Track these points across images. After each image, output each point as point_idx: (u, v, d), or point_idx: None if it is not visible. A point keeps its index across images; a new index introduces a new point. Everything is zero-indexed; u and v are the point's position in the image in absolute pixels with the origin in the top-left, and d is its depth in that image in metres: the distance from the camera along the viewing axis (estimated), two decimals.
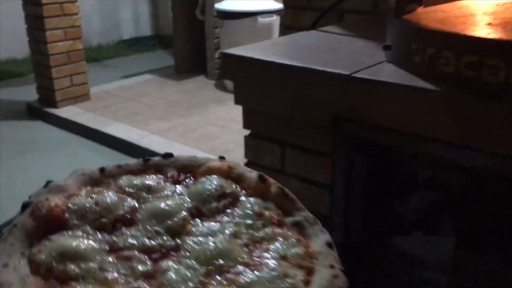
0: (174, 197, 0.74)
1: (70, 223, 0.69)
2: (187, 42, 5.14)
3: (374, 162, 1.36)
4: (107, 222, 0.70)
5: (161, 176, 0.79)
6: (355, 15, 1.89)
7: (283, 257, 0.64)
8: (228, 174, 0.78)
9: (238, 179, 0.77)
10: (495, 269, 1.31)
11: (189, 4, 4.97)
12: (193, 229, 0.69)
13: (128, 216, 0.71)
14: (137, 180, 0.78)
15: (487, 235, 1.36)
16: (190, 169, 0.80)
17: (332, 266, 0.62)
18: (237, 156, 3.27)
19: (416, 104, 1.01)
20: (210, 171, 0.79)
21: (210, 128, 3.76)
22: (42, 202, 0.71)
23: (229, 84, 4.56)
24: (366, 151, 1.31)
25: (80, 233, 0.68)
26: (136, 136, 3.59)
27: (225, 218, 0.71)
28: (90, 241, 0.67)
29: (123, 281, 0.61)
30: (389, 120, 1.06)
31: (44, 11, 3.91)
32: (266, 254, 0.64)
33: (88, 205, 0.72)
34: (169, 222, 0.69)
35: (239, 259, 0.63)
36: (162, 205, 0.72)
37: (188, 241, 0.66)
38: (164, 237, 0.67)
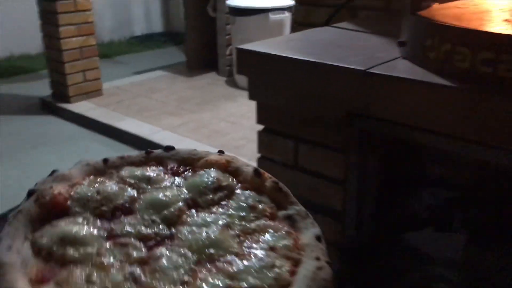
0: (173, 188, 0.77)
1: (72, 210, 0.73)
2: (199, 39, 5.15)
3: (386, 158, 1.37)
4: (107, 210, 0.73)
5: (161, 168, 0.82)
6: (368, 11, 1.89)
7: (272, 248, 0.66)
8: (226, 167, 0.81)
9: (235, 172, 0.80)
10: (507, 266, 1.32)
11: (201, 0, 4.98)
12: (188, 219, 0.71)
13: (127, 205, 0.74)
14: (138, 171, 0.81)
15: (499, 232, 1.36)
16: (189, 162, 0.83)
17: (318, 258, 0.64)
18: (248, 152, 3.29)
19: (431, 100, 1.01)
20: (209, 165, 0.82)
21: (221, 124, 3.77)
22: (46, 189, 0.74)
23: (240, 80, 4.57)
24: (379, 146, 1.31)
25: (80, 219, 0.71)
26: (148, 132, 3.62)
27: (220, 210, 0.73)
28: (90, 228, 0.70)
29: (118, 266, 0.64)
30: (404, 116, 1.07)
31: (58, 7, 3.94)
32: (256, 245, 0.67)
33: (89, 194, 0.75)
34: (166, 212, 0.72)
35: (230, 249, 0.66)
36: (160, 195, 0.75)
37: (182, 231, 0.69)
38: (160, 226, 0.70)
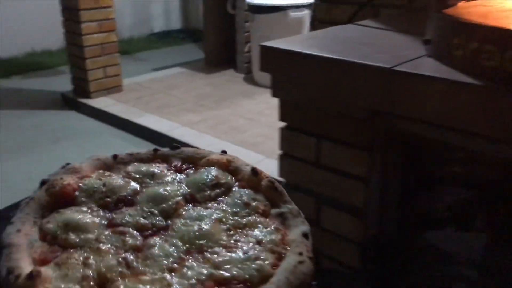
0: (174, 183, 0.83)
1: (79, 200, 0.79)
2: (217, 36, 5.17)
3: (408, 155, 1.36)
4: (111, 201, 0.79)
5: (166, 165, 0.88)
6: (391, 10, 1.88)
7: (258, 242, 0.70)
8: (227, 166, 0.86)
9: (234, 171, 0.85)
10: None
11: None
12: (184, 212, 0.77)
13: (130, 198, 0.80)
14: (143, 167, 0.87)
15: None
16: (193, 160, 0.89)
17: (300, 253, 0.68)
18: (266, 149, 3.29)
19: (457, 98, 1.01)
20: (210, 163, 0.87)
21: (239, 121, 3.78)
22: (57, 180, 0.81)
23: (258, 78, 4.58)
24: (403, 144, 1.31)
25: (85, 209, 0.77)
26: (167, 128, 3.65)
27: (215, 205, 0.78)
28: (92, 216, 0.76)
29: (113, 251, 0.69)
30: (429, 114, 1.06)
31: (80, 4, 3.99)
32: (244, 239, 0.71)
33: (96, 186, 0.81)
34: (164, 205, 0.78)
35: (219, 241, 0.71)
36: (161, 190, 0.80)
37: (177, 223, 0.75)
38: (158, 218, 0.76)
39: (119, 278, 0.65)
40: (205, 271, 0.65)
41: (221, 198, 0.80)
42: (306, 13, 4.39)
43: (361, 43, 1.35)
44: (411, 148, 1.35)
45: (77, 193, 0.80)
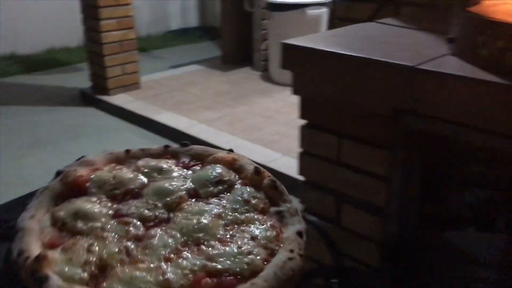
0: (179, 179, 0.86)
1: (90, 190, 0.83)
2: (234, 34, 5.18)
3: (430, 155, 1.35)
4: (119, 193, 0.83)
5: (174, 161, 0.92)
6: (412, 8, 1.86)
7: (253, 238, 0.74)
8: (232, 164, 0.90)
9: (239, 170, 0.89)
10: None
11: None
12: (186, 207, 0.80)
13: (137, 190, 0.84)
14: (153, 162, 0.91)
15: None
16: (200, 158, 0.93)
17: (291, 251, 0.71)
18: (282, 147, 3.30)
19: (483, 97, 1.00)
20: (217, 161, 0.91)
21: (256, 118, 3.79)
22: (71, 171, 0.86)
23: (275, 75, 4.58)
24: (424, 143, 1.30)
25: (94, 199, 0.82)
26: (185, 125, 3.67)
27: (217, 201, 0.82)
28: (100, 206, 0.80)
29: (116, 240, 0.73)
30: (453, 113, 1.06)
31: (99, 1, 4.03)
32: (239, 234, 0.75)
33: (106, 178, 0.85)
34: (168, 199, 0.81)
35: (216, 235, 0.74)
36: (166, 184, 0.84)
37: (178, 216, 0.78)
38: (161, 210, 0.80)
39: (118, 265, 0.69)
40: (198, 263, 0.69)
41: (223, 195, 0.83)
42: (323, 11, 4.37)
43: (383, 41, 1.34)
44: (432, 147, 1.34)
45: (88, 184, 0.84)
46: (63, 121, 4.04)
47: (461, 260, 1.42)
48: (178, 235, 0.74)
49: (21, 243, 0.72)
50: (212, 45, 6.22)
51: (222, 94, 4.37)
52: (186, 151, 0.94)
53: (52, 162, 3.24)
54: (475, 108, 1.02)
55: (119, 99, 4.24)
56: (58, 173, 0.87)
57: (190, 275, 0.67)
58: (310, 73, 1.31)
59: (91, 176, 0.86)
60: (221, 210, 0.79)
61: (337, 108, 1.30)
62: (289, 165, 2.94)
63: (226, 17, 5.18)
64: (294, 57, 1.33)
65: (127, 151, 0.94)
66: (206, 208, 0.80)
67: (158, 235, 0.75)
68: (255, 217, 0.79)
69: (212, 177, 0.86)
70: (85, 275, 0.67)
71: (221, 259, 0.69)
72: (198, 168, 0.90)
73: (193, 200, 0.83)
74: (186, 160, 0.93)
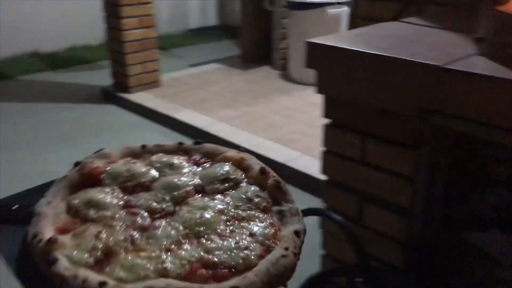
0: (188, 175, 0.91)
1: (104, 181, 0.88)
2: (254, 32, 5.19)
3: (456, 155, 1.34)
4: (131, 185, 0.88)
5: (186, 157, 0.96)
6: (437, 7, 1.85)
7: (251, 235, 0.77)
8: (240, 164, 0.93)
9: (246, 169, 0.92)
10: None
11: None
12: (192, 201, 0.84)
13: (148, 184, 0.88)
14: (165, 158, 0.95)
15: None
16: (211, 156, 0.97)
17: (286, 248, 0.73)
18: (302, 146, 3.29)
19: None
20: (226, 159, 0.95)
21: (276, 117, 3.79)
22: (88, 163, 0.92)
23: (295, 74, 4.58)
24: (450, 143, 1.29)
25: (108, 190, 0.86)
26: (205, 123, 3.69)
27: (221, 198, 0.85)
28: (112, 197, 0.85)
29: (123, 228, 0.78)
30: (482, 113, 1.05)
31: (121, 0, 4.07)
32: (239, 230, 0.78)
33: (120, 171, 0.90)
34: (176, 193, 0.85)
35: (216, 230, 0.77)
36: (175, 179, 0.89)
37: (183, 209, 0.82)
38: (168, 203, 0.84)
39: (122, 252, 0.73)
40: (196, 254, 0.72)
41: (228, 192, 0.87)
42: (344, 10, 4.35)
43: (409, 40, 1.33)
44: (457, 147, 1.33)
45: (103, 175, 0.89)
46: (85, 118, 4.10)
47: (484, 261, 1.41)
48: (181, 227, 0.78)
49: (36, 227, 0.77)
50: (231, 44, 6.24)
51: (241, 93, 4.38)
52: (198, 148, 0.99)
53: (74, 158, 3.25)
54: (504, 108, 1.01)
55: (139, 97, 4.28)
56: (76, 164, 0.92)
57: (187, 266, 0.71)
58: (335, 72, 1.31)
59: (106, 168, 0.91)
60: (224, 206, 0.83)
61: (362, 107, 1.30)
62: (309, 164, 2.94)
63: (246, 16, 5.19)
64: (319, 56, 1.33)
65: (143, 146, 0.98)
66: (210, 204, 0.84)
67: (162, 226, 0.79)
68: (256, 214, 0.82)
69: (219, 174, 0.90)
70: (91, 259, 0.72)
71: (218, 252, 0.73)
72: (208, 165, 0.94)
73: (199, 195, 0.86)
74: (197, 157, 0.97)
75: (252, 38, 5.21)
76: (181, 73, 4.98)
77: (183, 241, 0.75)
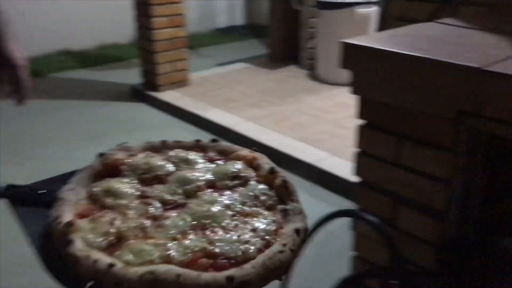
0: (202, 170, 0.97)
1: (124, 172, 0.96)
2: (281, 32, 5.19)
3: (493, 158, 1.32)
4: (148, 177, 0.95)
5: (202, 154, 1.03)
6: (473, 7, 1.82)
7: (253, 230, 0.82)
8: (251, 162, 0.98)
9: (257, 167, 0.97)
10: None
11: None
12: (202, 195, 0.90)
13: (163, 177, 0.95)
14: (182, 154, 1.01)
15: None
16: (225, 153, 1.02)
17: (284, 244, 0.78)
18: (330, 146, 3.28)
19: None
20: (239, 158, 1.00)
21: (303, 117, 3.78)
22: (111, 155, 0.99)
23: (322, 74, 4.56)
24: (487, 147, 1.28)
25: (126, 180, 0.94)
26: (232, 122, 3.71)
27: (230, 193, 0.91)
28: (130, 187, 0.92)
29: (136, 216, 0.85)
30: None
31: None
32: (242, 225, 0.83)
33: (139, 164, 0.97)
34: (188, 186, 0.92)
35: (221, 223, 0.83)
36: (189, 174, 0.95)
37: (193, 202, 0.88)
38: (180, 196, 0.90)
39: (132, 238, 0.80)
40: (199, 244, 0.78)
41: (237, 189, 0.92)
42: (373, 10, 4.31)
43: (446, 41, 1.32)
44: (495, 150, 1.31)
45: (124, 167, 0.96)
46: (115, 115, 4.17)
47: None
48: (189, 219, 0.84)
49: (57, 211, 0.84)
50: (258, 43, 6.25)
51: (268, 92, 4.39)
52: (214, 146, 1.04)
53: None
54: None
55: (168, 96, 4.33)
56: (100, 155, 1.00)
57: (190, 254, 0.76)
58: (371, 73, 1.31)
59: (127, 160, 0.98)
60: (231, 201, 0.88)
61: (398, 108, 1.29)
62: (337, 165, 2.93)
63: (274, 15, 5.20)
64: (355, 57, 1.33)
65: (163, 141, 1.05)
66: (218, 199, 0.89)
67: (172, 216, 0.84)
68: (260, 211, 0.86)
69: (230, 172, 0.95)
70: (104, 243, 0.78)
71: (219, 244, 0.78)
72: (221, 162, 1.00)
73: (210, 190, 0.92)
74: (212, 154, 1.02)
75: (280, 37, 5.21)
76: (209, 72, 5.02)
77: (189, 231, 0.81)
